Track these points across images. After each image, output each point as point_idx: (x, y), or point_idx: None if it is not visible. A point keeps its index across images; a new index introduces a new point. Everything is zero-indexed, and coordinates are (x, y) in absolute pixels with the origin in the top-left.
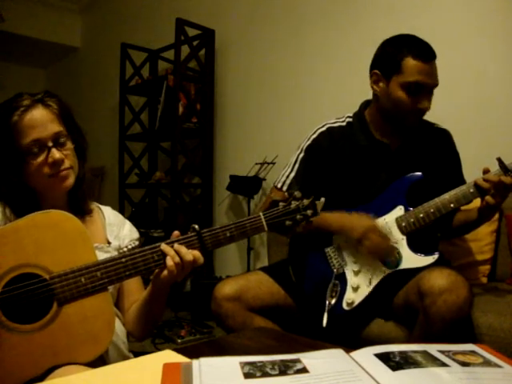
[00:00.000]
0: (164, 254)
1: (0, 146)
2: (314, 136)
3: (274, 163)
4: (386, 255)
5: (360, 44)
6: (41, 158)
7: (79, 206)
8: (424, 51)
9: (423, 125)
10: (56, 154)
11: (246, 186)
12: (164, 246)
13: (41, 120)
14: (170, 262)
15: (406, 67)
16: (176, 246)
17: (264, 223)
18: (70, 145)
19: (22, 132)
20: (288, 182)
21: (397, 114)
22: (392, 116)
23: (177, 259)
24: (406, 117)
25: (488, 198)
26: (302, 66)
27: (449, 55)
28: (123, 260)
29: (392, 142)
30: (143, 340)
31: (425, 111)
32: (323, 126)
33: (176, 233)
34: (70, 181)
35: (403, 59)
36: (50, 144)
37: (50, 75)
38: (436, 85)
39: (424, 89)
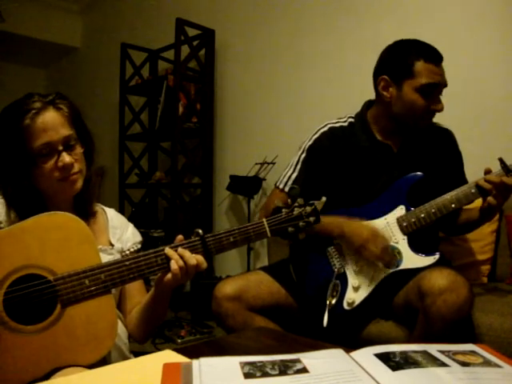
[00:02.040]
0: (168, 258)
1: (10, 149)
2: (316, 136)
3: (273, 163)
4: (385, 263)
5: (360, 44)
6: (51, 162)
7: (85, 208)
8: (433, 54)
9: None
10: (66, 157)
11: (246, 185)
12: (168, 250)
13: (52, 123)
14: (174, 265)
15: (419, 71)
16: (180, 250)
17: (267, 229)
18: (79, 148)
19: (33, 135)
20: (290, 182)
21: (411, 117)
22: (405, 120)
23: (181, 263)
24: (420, 119)
25: (490, 198)
26: (301, 66)
27: (449, 56)
28: (127, 263)
29: (394, 142)
30: (144, 342)
31: (439, 112)
32: (325, 126)
33: (180, 237)
34: (79, 185)
35: (414, 63)
36: (60, 148)
37: (50, 75)
38: (446, 85)
39: (437, 90)
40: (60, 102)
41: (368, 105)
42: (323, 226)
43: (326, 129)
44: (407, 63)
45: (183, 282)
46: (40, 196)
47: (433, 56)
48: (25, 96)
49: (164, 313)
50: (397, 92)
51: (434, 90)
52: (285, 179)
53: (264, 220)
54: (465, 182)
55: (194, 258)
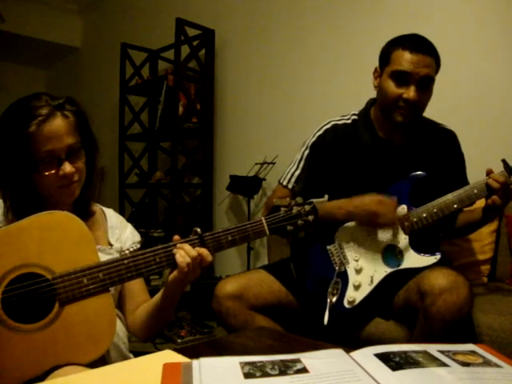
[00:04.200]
0: (166, 257)
1: (13, 152)
2: (319, 133)
3: (273, 163)
4: (401, 224)
5: (361, 43)
6: (52, 170)
7: (83, 208)
8: (414, 43)
9: (427, 124)
10: (67, 167)
11: (245, 185)
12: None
13: (57, 132)
14: (179, 258)
15: (394, 58)
16: (179, 245)
17: (266, 228)
18: (82, 157)
19: (37, 142)
20: (293, 179)
21: (387, 107)
22: (384, 110)
23: (182, 253)
24: (393, 107)
25: (495, 197)
26: (302, 66)
27: (454, 58)
28: (125, 262)
29: (396, 140)
30: (148, 341)
31: (411, 102)
32: (328, 123)
33: (176, 237)
34: (76, 193)
35: (392, 51)
36: (63, 156)
37: (50, 75)
38: (424, 76)
39: (411, 78)
40: (69, 107)
41: (372, 102)
42: (326, 211)
43: (329, 126)
44: (388, 52)
45: (191, 279)
46: (39, 197)
47: (412, 45)
48: (32, 95)
49: (171, 314)
50: (379, 80)
51: (406, 79)
52: (288, 176)
53: (262, 219)
54: (466, 183)
55: (195, 251)
